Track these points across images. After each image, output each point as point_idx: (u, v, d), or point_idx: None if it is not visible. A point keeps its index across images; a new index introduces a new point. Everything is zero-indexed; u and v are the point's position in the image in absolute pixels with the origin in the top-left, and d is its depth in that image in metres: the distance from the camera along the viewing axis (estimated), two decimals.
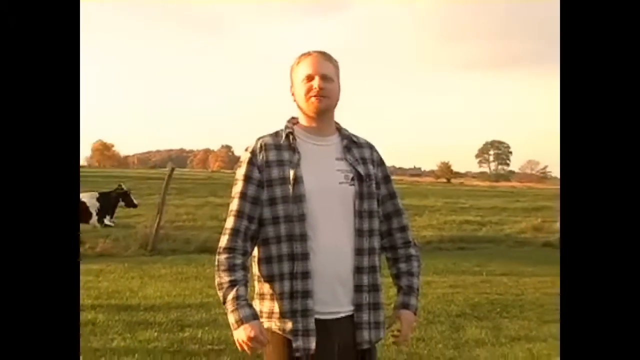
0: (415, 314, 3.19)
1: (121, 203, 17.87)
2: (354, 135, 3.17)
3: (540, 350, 6.84)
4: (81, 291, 9.07)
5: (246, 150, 3.05)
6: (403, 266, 3.20)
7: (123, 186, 18.46)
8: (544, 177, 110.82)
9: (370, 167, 3.10)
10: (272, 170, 2.95)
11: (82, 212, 15.82)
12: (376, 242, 3.08)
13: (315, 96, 2.96)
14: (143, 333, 6.96)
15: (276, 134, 3.05)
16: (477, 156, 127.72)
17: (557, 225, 18.39)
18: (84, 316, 7.53)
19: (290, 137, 3.03)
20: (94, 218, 16.79)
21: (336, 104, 3.09)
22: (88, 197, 16.90)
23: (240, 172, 3.00)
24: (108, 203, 17.40)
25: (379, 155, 3.22)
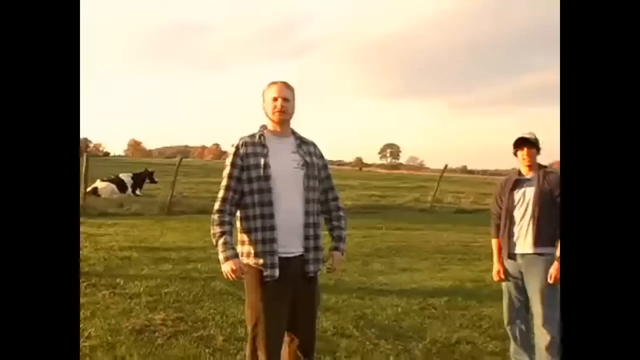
0: (342, 254, 3.62)
1: (147, 181, 20.55)
2: (303, 137, 3.54)
3: (420, 276, 8.11)
4: (120, 237, 10.25)
5: (232, 145, 3.41)
6: (335, 223, 3.62)
7: (148, 169, 21.08)
8: (421, 167, 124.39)
9: (314, 158, 3.47)
10: (250, 159, 3.32)
11: (122, 186, 18.68)
12: (317, 207, 3.46)
13: (278, 112, 3.37)
14: (162, 265, 8.08)
15: (252, 135, 3.42)
16: (379, 153, 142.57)
17: (429, 197, 20.42)
18: (123, 254, 8.68)
19: (262, 137, 3.40)
20: (129, 190, 19.30)
21: (292, 116, 3.48)
22: (125, 176, 19.56)
23: (229, 160, 3.38)
24: (139, 180, 20.11)
25: (320, 150, 3.59)
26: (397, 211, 18.98)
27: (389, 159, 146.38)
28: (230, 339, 4.98)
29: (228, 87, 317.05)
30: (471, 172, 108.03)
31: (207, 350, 4.65)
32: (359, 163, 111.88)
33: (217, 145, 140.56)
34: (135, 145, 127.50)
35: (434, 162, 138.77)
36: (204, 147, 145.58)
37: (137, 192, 19.78)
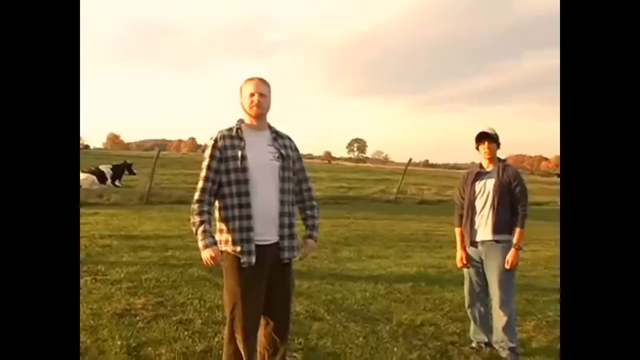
0: (315, 241, 3.65)
1: (126, 172, 20.29)
2: (279, 131, 3.54)
3: (386, 263, 8.22)
4: (100, 226, 10.13)
5: (211, 138, 3.39)
6: (309, 212, 3.64)
7: (127, 162, 20.80)
8: (386, 160, 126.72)
9: (289, 151, 3.47)
10: (228, 151, 3.30)
11: (101, 177, 18.62)
12: (292, 197, 3.46)
13: (255, 106, 3.37)
14: (142, 252, 8.02)
15: (230, 129, 3.40)
16: (346, 147, 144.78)
17: (394, 189, 20.61)
18: (104, 242, 8.61)
19: (239, 130, 3.39)
20: (109, 181, 19.16)
21: (268, 111, 3.48)
22: (105, 168, 19.49)
23: (207, 152, 3.37)
24: (118, 172, 19.93)
25: (294, 144, 3.58)
26: (364, 202, 19.13)
27: (356, 153, 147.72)
28: (208, 322, 5.01)
29: (201, 84, 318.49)
30: (432, 165, 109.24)
31: (186, 333, 4.68)
32: (328, 156, 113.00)
33: (192, 138, 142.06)
34: (114, 139, 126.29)
35: (398, 156, 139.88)
36: (180, 141, 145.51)
37: (117, 183, 19.65)
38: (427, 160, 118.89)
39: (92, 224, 10.71)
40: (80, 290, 5.79)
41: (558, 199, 21.45)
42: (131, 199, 15.57)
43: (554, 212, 14.49)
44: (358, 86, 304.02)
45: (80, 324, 4.75)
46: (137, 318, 5.04)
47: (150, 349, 4.31)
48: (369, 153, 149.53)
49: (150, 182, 16.03)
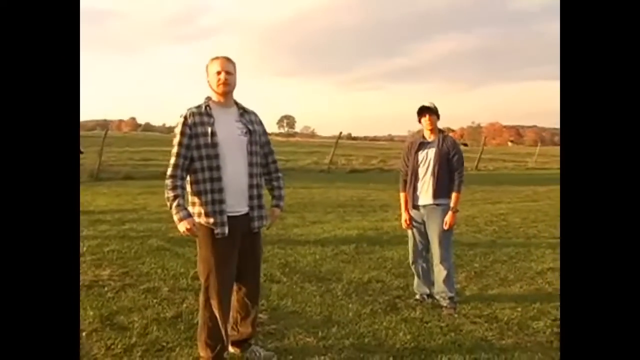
0: (281, 210, 3.57)
1: None
2: (245, 107, 3.39)
3: (329, 227, 8.15)
4: None
5: (181, 116, 3.19)
6: (275, 183, 3.53)
7: None
8: (313, 135, 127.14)
9: (256, 126, 3.34)
10: (197, 127, 3.14)
11: None
12: (259, 170, 3.35)
13: (222, 84, 3.20)
14: (100, 226, 7.71)
15: (199, 106, 3.22)
16: (277, 123, 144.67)
17: (325, 160, 20.71)
18: None
19: (207, 108, 3.22)
20: None
21: (234, 88, 3.29)
22: None
23: (178, 129, 3.18)
24: None
25: (259, 119, 3.45)
26: (299, 172, 18.89)
27: (285, 129, 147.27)
28: (174, 289, 4.83)
29: (140, 68, 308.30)
30: (354, 138, 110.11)
31: (154, 301, 4.49)
32: None
33: (133, 118, 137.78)
34: None
35: (323, 131, 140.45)
36: (121, 121, 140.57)
37: None
38: (350, 134, 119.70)
39: None
40: None
41: (466, 164, 22.06)
42: (81, 176, 14.69)
43: (465, 176, 14.82)
44: (286, 67, 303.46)
45: None
46: (106, 289, 4.81)
47: (122, 317, 4.13)
48: (297, 128, 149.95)
49: (100, 159, 15.48)
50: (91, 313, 4.15)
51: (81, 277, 5.05)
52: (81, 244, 6.42)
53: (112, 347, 3.57)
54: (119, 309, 4.28)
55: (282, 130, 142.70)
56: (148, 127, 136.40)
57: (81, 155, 19.69)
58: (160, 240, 6.67)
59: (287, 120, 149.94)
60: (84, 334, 3.77)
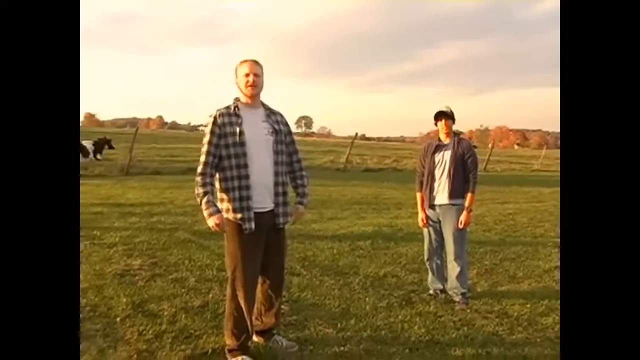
0: (305, 207, 3.49)
1: (106, 147, 19.62)
2: (272, 108, 3.36)
3: (345, 223, 8.05)
4: (89, 195, 9.65)
5: (211, 116, 3.19)
6: (299, 181, 3.45)
7: (107, 137, 20.19)
8: (329, 134, 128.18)
9: (281, 126, 3.30)
10: (226, 127, 3.13)
11: (84, 152, 17.83)
12: (285, 168, 3.32)
13: (250, 86, 3.19)
14: (130, 218, 7.73)
15: (228, 107, 3.22)
16: (295, 123, 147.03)
17: (341, 159, 20.54)
18: (95, 209, 8.27)
19: (236, 108, 3.21)
20: (91, 155, 18.48)
21: (261, 90, 3.29)
22: (87, 143, 18.77)
23: (208, 129, 3.16)
24: (99, 146, 19.26)
25: (285, 119, 3.41)
26: (316, 171, 18.46)
27: (303, 128, 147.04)
28: (200, 280, 4.83)
29: (168, 69, 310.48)
30: (368, 138, 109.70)
31: (182, 290, 4.49)
32: None
33: (160, 116, 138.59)
34: (89, 117, 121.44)
35: (339, 131, 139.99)
36: (149, 119, 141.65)
37: (98, 156, 18.97)
38: (364, 134, 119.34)
39: (81, 193, 10.22)
40: (82, 254, 5.50)
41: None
42: (112, 170, 14.96)
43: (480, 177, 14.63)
44: (303, 69, 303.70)
45: (87, 284, 4.55)
46: (137, 277, 4.83)
47: (152, 305, 4.14)
48: (314, 128, 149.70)
49: (130, 155, 15.52)
50: (124, 300, 4.16)
51: (114, 266, 5.09)
52: (114, 234, 6.49)
53: (144, 332, 3.58)
54: (149, 297, 4.29)
55: (299, 130, 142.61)
56: (174, 125, 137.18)
57: (112, 151, 19.98)
58: (186, 233, 6.67)
59: (305, 121, 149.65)
60: (118, 319, 3.80)
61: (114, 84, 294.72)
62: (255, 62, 3.26)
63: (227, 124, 3.16)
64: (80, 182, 11.82)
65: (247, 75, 3.20)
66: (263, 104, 3.35)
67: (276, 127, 3.27)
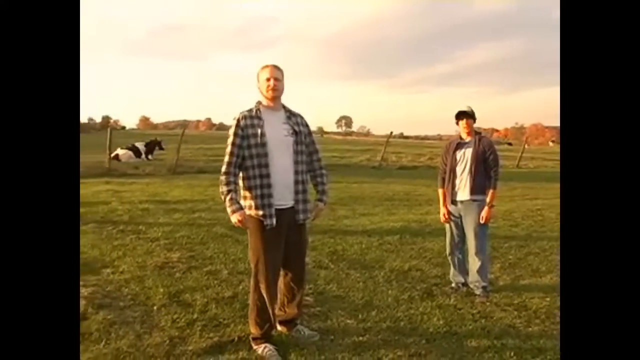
0: (324, 204, 3.50)
1: (157, 148, 20.08)
2: (292, 110, 3.38)
3: (376, 219, 7.98)
4: (138, 193, 9.92)
5: (234, 119, 3.24)
6: (319, 179, 3.48)
7: (158, 139, 20.59)
8: (368, 134, 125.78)
9: (301, 127, 3.33)
10: (249, 129, 3.17)
11: (137, 152, 18.54)
12: (304, 167, 3.34)
13: (271, 90, 3.22)
14: (174, 214, 7.89)
15: (250, 110, 3.25)
16: (336, 123, 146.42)
17: (378, 157, 20.41)
18: (142, 206, 8.46)
19: (258, 111, 3.24)
20: (143, 155, 18.98)
21: (282, 93, 3.31)
22: (140, 144, 19.40)
23: (231, 130, 3.21)
24: (150, 147, 19.75)
25: (305, 121, 3.42)
26: (353, 169, 18.66)
27: (343, 128, 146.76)
28: (233, 272, 4.91)
29: (214, 74, 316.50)
30: (405, 137, 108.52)
31: (215, 282, 4.59)
32: (321, 131, 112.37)
33: (208, 119, 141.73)
34: (144, 120, 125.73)
35: (378, 130, 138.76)
36: (198, 121, 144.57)
37: (149, 157, 19.46)
38: (401, 133, 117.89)
39: (131, 191, 10.57)
40: (127, 247, 5.70)
41: (508, 162, 21.39)
42: (161, 170, 15.29)
43: (506, 173, 14.27)
44: (343, 71, 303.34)
45: (129, 275, 4.69)
46: (174, 269, 4.95)
47: (187, 295, 4.24)
48: (354, 127, 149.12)
49: (177, 155, 15.83)
50: (161, 290, 4.29)
51: (154, 259, 5.24)
52: (157, 229, 6.66)
53: (177, 320, 3.68)
54: (184, 288, 4.40)
55: (340, 130, 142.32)
56: (222, 127, 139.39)
57: (162, 152, 20.42)
58: (224, 228, 6.76)
59: (345, 120, 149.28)
60: (155, 307, 3.92)
61: (165, 89, 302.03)
62: (276, 67, 3.29)
63: (249, 126, 3.20)
64: (131, 181, 12.27)
65: (268, 79, 3.23)
66: (284, 107, 3.37)
67: (296, 128, 3.29)
